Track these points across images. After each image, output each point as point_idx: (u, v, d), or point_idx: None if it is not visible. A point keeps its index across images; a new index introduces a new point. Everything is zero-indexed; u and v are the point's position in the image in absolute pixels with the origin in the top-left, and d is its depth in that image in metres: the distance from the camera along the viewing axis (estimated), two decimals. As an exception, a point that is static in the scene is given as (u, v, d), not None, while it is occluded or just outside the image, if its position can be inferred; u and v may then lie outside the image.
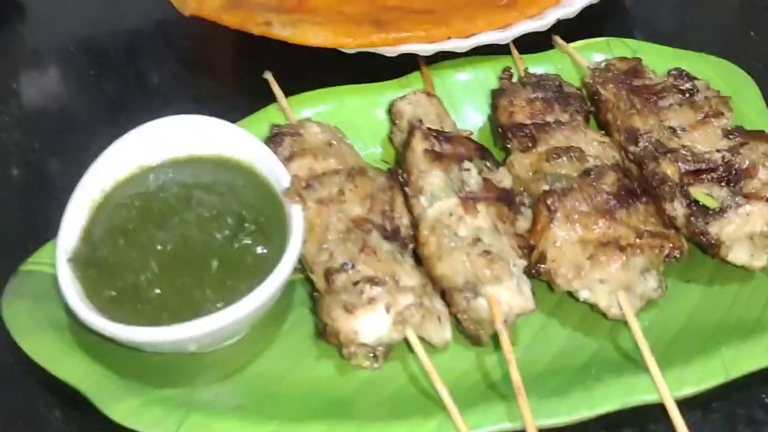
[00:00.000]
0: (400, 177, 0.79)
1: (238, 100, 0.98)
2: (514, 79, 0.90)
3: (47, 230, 0.77)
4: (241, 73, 1.03)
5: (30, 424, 0.74)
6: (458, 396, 0.67)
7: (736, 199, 0.73)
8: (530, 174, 0.79)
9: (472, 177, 0.76)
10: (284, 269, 0.70)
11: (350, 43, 0.88)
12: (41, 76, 1.11)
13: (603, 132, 0.85)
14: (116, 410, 0.67)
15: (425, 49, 0.89)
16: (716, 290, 0.76)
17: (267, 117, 0.89)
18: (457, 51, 0.91)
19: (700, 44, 0.98)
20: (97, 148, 0.80)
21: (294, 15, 0.90)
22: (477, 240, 0.72)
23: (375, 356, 0.72)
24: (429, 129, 0.80)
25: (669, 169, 0.76)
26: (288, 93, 0.91)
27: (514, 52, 0.93)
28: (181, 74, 1.08)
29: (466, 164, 0.77)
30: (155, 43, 1.12)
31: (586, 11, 0.94)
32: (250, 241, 0.73)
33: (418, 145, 0.78)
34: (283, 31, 0.89)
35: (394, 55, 0.89)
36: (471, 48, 0.91)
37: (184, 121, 0.81)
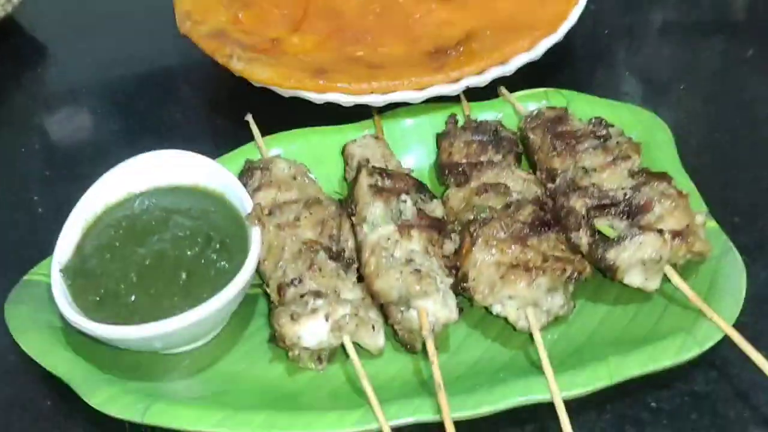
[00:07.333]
0: (348, 209, 0.91)
1: (225, 139, 1.11)
2: (461, 125, 1.03)
3: (52, 247, 0.89)
4: (232, 116, 1.16)
5: (26, 410, 0.86)
6: (386, 393, 0.79)
7: (633, 230, 0.84)
8: (462, 206, 0.91)
9: (408, 208, 0.88)
10: (239, 281, 0.82)
11: (285, 83, 1.02)
12: (59, 114, 1.26)
13: (530, 171, 0.97)
14: (93, 398, 0.79)
15: (377, 100, 1.02)
16: (618, 310, 0.87)
17: (245, 154, 1.02)
18: (412, 102, 1.04)
19: (634, 93, 1.11)
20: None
21: (255, 54, 1.04)
22: (409, 260, 0.84)
23: (320, 359, 0.84)
24: (374, 167, 0.92)
25: (577, 203, 0.87)
26: (269, 133, 1.04)
27: (464, 100, 1.05)
28: (182, 115, 1.23)
29: (404, 197, 0.89)
30: (161, 88, 1.27)
31: (533, 66, 1.07)
32: (215, 257, 0.85)
33: (364, 181, 0.90)
34: (239, 64, 1.04)
35: (320, 102, 1.03)
36: (425, 99, 1.04)
37: (166, 154, 0.94)
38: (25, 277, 0.91)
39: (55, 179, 1.13)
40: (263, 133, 1.04)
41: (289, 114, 1.06)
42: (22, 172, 1.15)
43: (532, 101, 1.05)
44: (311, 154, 1.02)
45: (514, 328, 0.85)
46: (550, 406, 0.77)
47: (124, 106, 1.25)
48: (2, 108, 1.27)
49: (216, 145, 1.04)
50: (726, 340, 0.80)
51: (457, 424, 0.75)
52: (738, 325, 0.80)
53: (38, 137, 1.22)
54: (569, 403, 0.77)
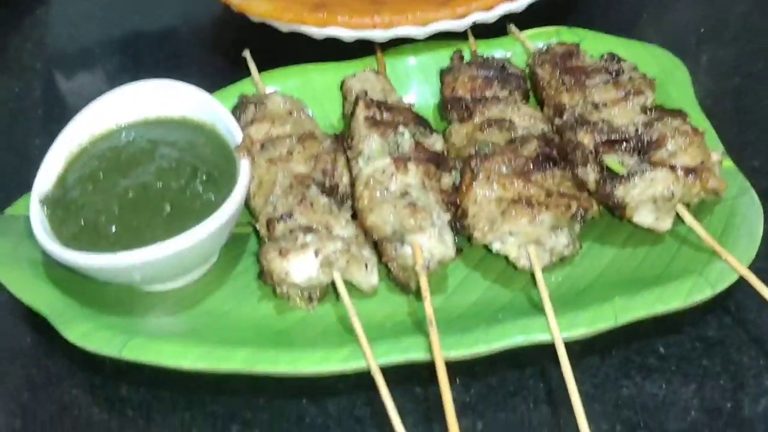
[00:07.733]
0: (345, 143, 0.87)
1: (223, 78, 1.06)
2: (467, 61, 0.98)
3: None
4: (231, 56, 1.12)
5: (5, 346, 0.83)
6: (378, 332, 0.75)
7: (643, 165, 0.79)
8: (465, 142, 0.86)
9: (406, 140, 0.83)
10: (225, 212, 0.78)
11: (284, 17, 0.97)
12: (56, 55, 1.22)
13: (539, 108, 0.92)
14: (70, 332, 0.75)
15: (380, 35, 0.97)
16: (628, 251, 0.82)
17: (241, 89, 0.98)
18: (416, 38, 0.99)
19: (651, 36, 1.05)
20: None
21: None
22: (405, 194, 0.79)
23: (310, 298, 0.80)
24: (372, 99, 0.87)
25: (585, 138, 0.82)
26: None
27: (471, 37, 1.00)
28: (180, 55, 1.19)
29: (401, 129, 0.84)
30: (159, 28, 1.23)
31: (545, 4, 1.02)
32: (201, 189, 0.81)
33: (361, 113, 0.86)
34: (236, -3, 1.00)
35: (320, 38, 0.98)
36: (429, 35, 0.99)
37: (154, 85, 0.90)
38: (7, 210, 0.87)
39: (48, 119, 1.10)
40: (262, 72, 1.00)
41: (288, 54, 1.01)
42: (15, 113, 1.12)
43: (542, 40, 1.00)
44: (310, 92, 0.97)
45: (516, 269, 0.80)
46: (551, 349, 0.72)
47: (122, 46, 1.21)
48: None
49: (214, 85, 1.00)
50: (741, 283, 0.75)
51: (454, 366, 0.71)
52: (754, 269, 0.75)
53: (34, 78, 1.18)
54: (572, 348, 0.72)
